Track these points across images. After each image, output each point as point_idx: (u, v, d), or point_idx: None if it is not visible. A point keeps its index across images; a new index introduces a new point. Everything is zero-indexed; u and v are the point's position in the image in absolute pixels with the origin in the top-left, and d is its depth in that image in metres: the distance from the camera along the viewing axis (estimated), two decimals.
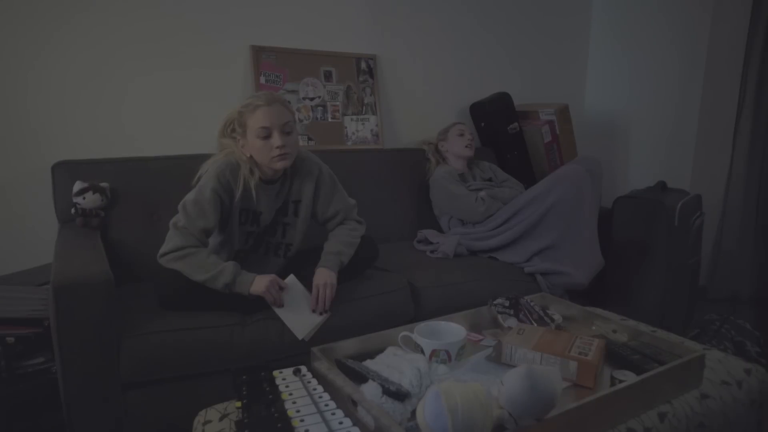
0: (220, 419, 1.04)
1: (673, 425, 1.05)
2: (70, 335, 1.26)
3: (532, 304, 1.45)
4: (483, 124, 2.70)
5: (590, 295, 2.15)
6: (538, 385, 0.86)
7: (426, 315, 1.68)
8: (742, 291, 2.83)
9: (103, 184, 1.78)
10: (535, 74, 3.02)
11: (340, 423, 0.90)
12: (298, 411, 0.94)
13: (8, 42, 1.81)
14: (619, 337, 1.33)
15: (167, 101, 2.08)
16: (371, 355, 1.16)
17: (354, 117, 2.45)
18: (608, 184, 2.77)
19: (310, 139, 2.34)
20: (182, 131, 2.11)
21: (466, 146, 2.38)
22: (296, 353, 1.47)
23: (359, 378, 1.04)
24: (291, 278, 1.54)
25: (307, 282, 1.56)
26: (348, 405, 0.97)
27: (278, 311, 1.49)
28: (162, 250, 1.47)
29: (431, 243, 2.21)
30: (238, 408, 0.97)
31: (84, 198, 1.73)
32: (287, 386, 1.03)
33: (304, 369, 1.10)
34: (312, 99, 2.35)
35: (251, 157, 1.55)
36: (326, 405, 0.96)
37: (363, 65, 2.47)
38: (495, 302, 1.46)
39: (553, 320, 1.40)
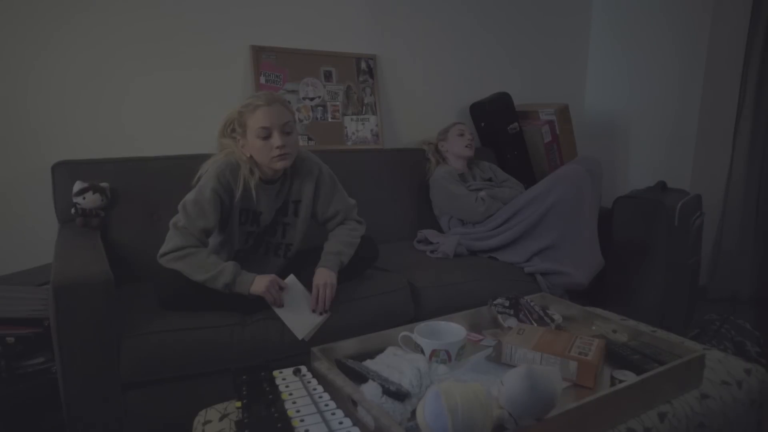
0: (220, 419, 1.04)
1: (673, 425, 1.05)
2: (70, 335, 1.26)
3: (532, 304, 1.45)
4: (483, 124, 2.70)
5: (590, 295, 2.15)
6: (538, 385, 0.86)
7: (426, 315, 1.68)
8: (742, 291, 2.83)
9: (103, 184, 1.78)
10: (535, 74, 3.02)
11: (340, 423, 0.90)
12: (298, 411, 0.94)
13: (8, 42, 1.81)
14: (619, 337, 1.33)
15: (167, 101, 2.08)
16: (371, 355, 1.16)
17: (354, 117, 2.45)
18: (608, 184, 2.77)
19: (310, 139, 2.34)
20: (182, 131, 2.11)
21: (466, 146, 2.38)
22: (296, 353, 1.47)
23: (359, 378, 1.04)
24: (291, 278, 1.54)
25: (307, 282, 1.56)
26: (348, 405, 0.97)
27: (278, 311, 1.49)
28: (162, 250, 1.47)
29: (431, 243, 2.21)
30: (238, 408, 0.96)
31: (84, 198, 1.73)
32: (287, 386, 1.03)
33: (304, 369, 1.10)
34: (312, 99, 2.35)
35: (251, 157, 1.55)
36: (326, 405, 0.96)
37: (363, 65, 2.47)
38: (495, 302, 1.46)
39: (553, 320, 1.40)
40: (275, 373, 1.08)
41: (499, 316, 1.42)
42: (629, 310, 2.02)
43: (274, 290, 1.48)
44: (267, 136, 1.50)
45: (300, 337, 1.50)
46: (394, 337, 1.24)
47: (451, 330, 1.24)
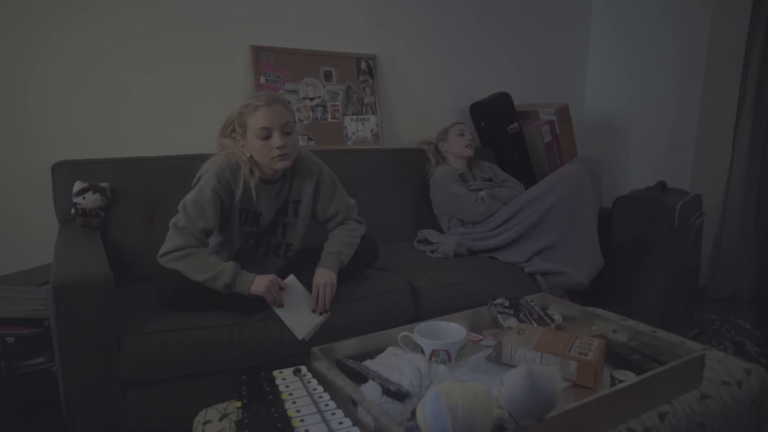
0: (220, 419, 1.04)
1: (673, 425, 1.05)
2: (70, 335, 1.26)
3: (532, 304, 1.45)
4: (483, 124, 2.70)
5: (590, 295, 2.15)
6: (538, 385, 0.86)
7: (426, 315, 1.68)
8: (742, 291, 2.83)
9: (103, 184, 1.78)
10: (535, 74, 3.02)
11: (340, 423, 0.90)
12: (298, 411, 0.94)
13: (8, 42, 1.81)
14: (619, 337, 1.33)
15: (167, 101, 2.08)
16: (371, 355, 1.16)
17: (354, 117, 2.45)
18: (608, 184, 2.77)
19: (310, 139, 2.34)
20: (182, 131, 2.11)
21: (466, 146, 2.38)
22: (296, 353, 1.47)
23: (359, 378, 1.04)
24: (291, 278, 1.54)
25: (307, 282, 1.56)
26: (348, 405, 0.97)
27: (278, 311, 1.49)
28: (162, 250, 1.47)
29: (431, 243, 2.21)
30: (238, 408, 0.96)
31: (84, 198, 1.73)
32: (287, 386, 1.03)
33: (304, 369, 1.10)
34: (312, 99, 2.35)
35: (251, 157, 1.55)
36: (326, 405, 0.96)
37: (363, 65, 2.47)
38: (495, 302, 1.46)
39: (553, 320, 1.40)
40: (275, 373, 1.08)
41: (499, 316, 1.42)
42: (629, 310, 2.02)
43: (274, 290, 1.48)
44: (267, 137, 1.50)
45: (300, 337, 1.50)
46: (394, 337, 1.24)
47: (451, 330, 1.24)
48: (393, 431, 0.86)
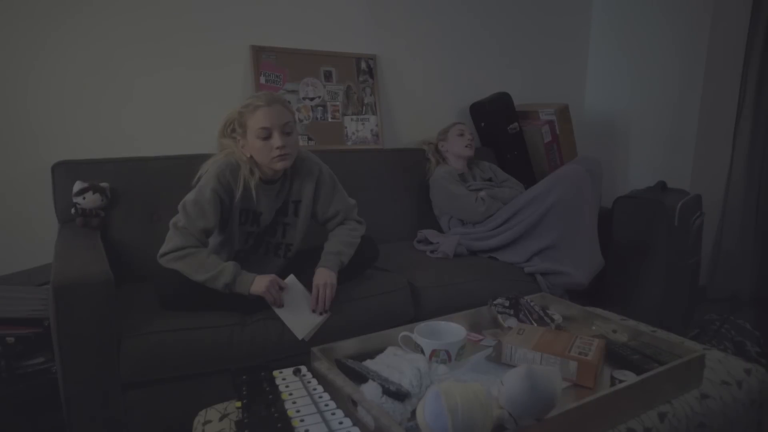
0: (220, 419, 1.04)
1: (673, 425, 1.05)
2: (70, 335, 1.26)
3: (532, 304, 1.45)
4: (483, 124, 2.70)
5: (590, 295, 2.15)
6: (538, 385, 0.86)
7: (426, 315, 1.68)
8: (742, 291, 2.83)
9: (103, 184, 1.78)
10: (535, 74, 3.02)
11: (340, 423, 0.90)
12: (298, 411, 0.94)
13: (8, 42, 1.81)
14: (619, 337, 1.33)
15: (167, 101, 2.08)
16: (371, 355, 1.16)
17: (354, 117, 2.45)
18: (608, 184, 2.77)
19: (310, 139, 2.34)
20: (182, 131, 2.11)
21: (466, 146, 2.38)
22: (296, 353, 1.47)
23: (359, 378, 1.04)
24: (291, 278, 1.54)
25: (307, 282, 1.56)
26: (348, 405, 0.97)
27: (278, 311, 1.49)
28: (162, 250, 1.47)
29: (431, 243, 2.21)
30: (238, 408, 0.97)
31: (84, 198, 1.73)
32: (287, 386, 1.03)
33: (304, 369, 1.10)
34: (312, 99, 2.35)
35: (251, 157, 1.55)
36: (326, 405, 0.96)
37: (363, 65, 2.47)
38: (495, 302, 1.46)
39: (553, 320, 1.40)
40: (275, 373, 1.08)
41: (499, 316, 1.42)
42: (629, 310, 2.02)
43: (274, 290, 1.48)
44: (267, 137, 1.50)
45: (300, 337, 1.50)
46: (394, 337, 1.24)
47: (451, 330, 1.24)
48: (393, 431, 0.86)
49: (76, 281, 1.26)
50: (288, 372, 1.09)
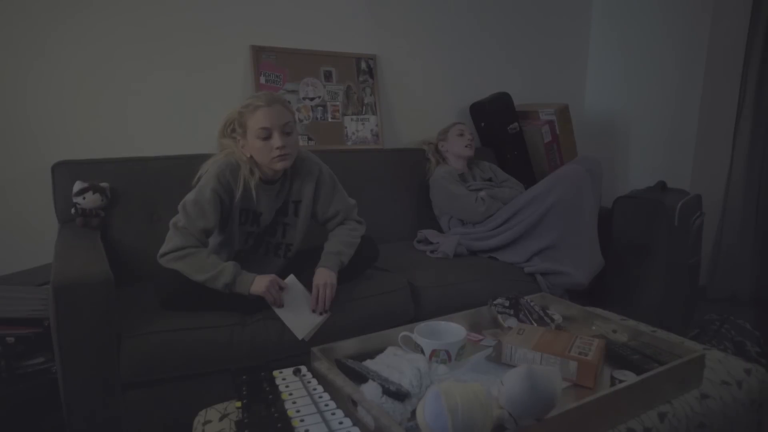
0: (220, 419, 1.04)
1: (673, 425, 1.05)
2: (70, 335, 1.26)
3: (532, 304, 1.45)
4: (483, 124, 2.70)
5: (590, 295, 2.15)
6: (538, 385, 0.86)
7: (426, 315, 1.68)
8: (742, 291, 2.83)
9: (103, 184, 1.78)
10: (535, 74, 3.02)
11: (340, 423, 0.90)
12: (298, 411, 0.94)
13: (8, 42, 1.81)
14: (619, 337, 1.33)
15: (167, 101, 2.08)
16: (371, 355, 1.16)
17: (354, 117, 2.45)
18: (608, 184, 2.77)
19: (310, 139, 2.34)
20: (182, 131, 2.11)
21: (466, 146, 2.38)
22: (296, 353, 1.47)
23: (359, 378, 1.04)
24: (291, 278, 1.54)
25: (307, 282, 1.56)
26: (348, 405, 0.97)
27: (278, 311, 1.49)
28: (162, 250, 1.47)
29: (431, 243, 2.21)
30: (238, 408, 0.97)
31: (84, 198, 1.73)
32: (287, 386, 1.03)
33: (304, 369, 1.10)
34: (312, 99, 2.35)
35: (251, 157, 1.55)
36: (326, 405, 0.96)
37: (363, 65, 2.47)
38: (495, 302, 1.46)
39: (553, 320, 1.40)
40: (275, 373, 1.08)
41: (499, 316, 1.42)
42: (629, 310, 2.02)
43: (274, 290, 1.48)
44: (267, 137, 1.50)
45: (300, 337, 1.50)
46: (394, 337, 1.24)
47: (451, 330, 1.24)
48: (393, 431, 0.86)
49: (76, 281, 1.26)
50: (288, 372, 1.09)
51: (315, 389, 1.02)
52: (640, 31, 2.91)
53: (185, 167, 1.65)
